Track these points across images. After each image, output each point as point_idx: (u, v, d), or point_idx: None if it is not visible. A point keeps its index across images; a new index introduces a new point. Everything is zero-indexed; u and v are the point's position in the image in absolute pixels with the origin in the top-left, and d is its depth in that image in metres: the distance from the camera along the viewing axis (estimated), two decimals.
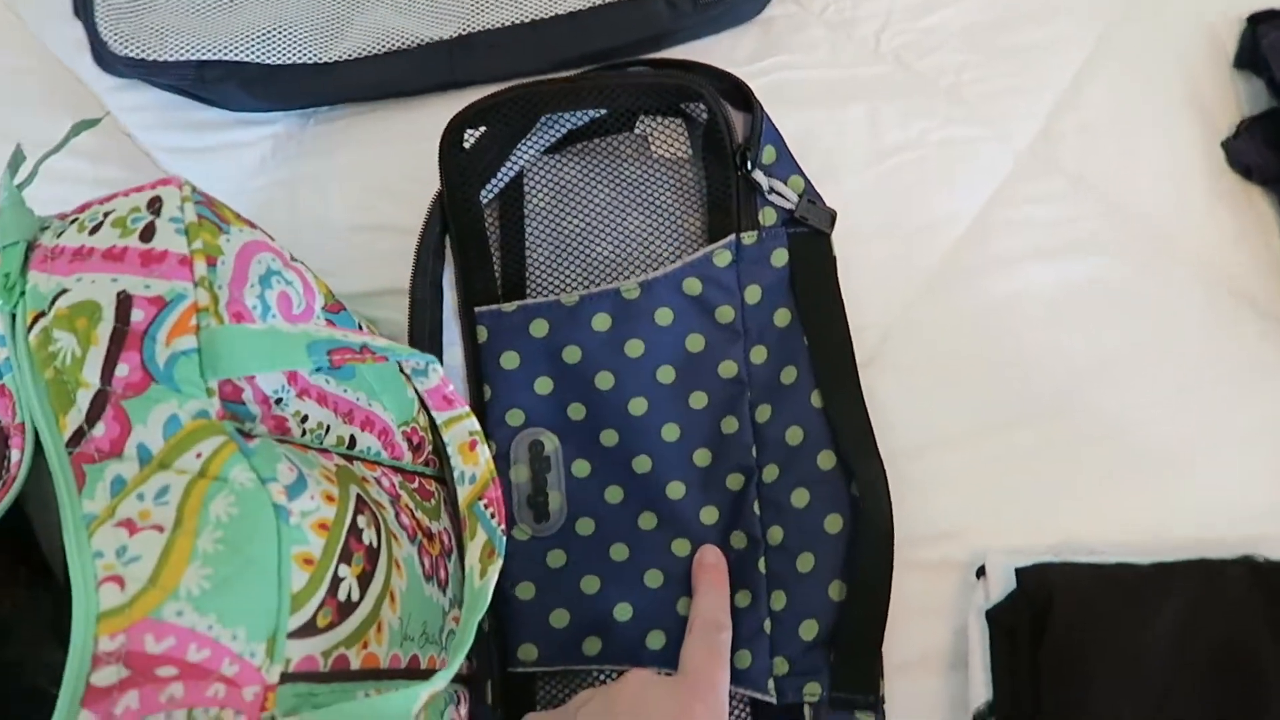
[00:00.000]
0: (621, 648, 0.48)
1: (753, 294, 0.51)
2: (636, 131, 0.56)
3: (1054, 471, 0.51)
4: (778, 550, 0.48)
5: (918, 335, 0.54)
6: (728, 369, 0.50)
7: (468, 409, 0.40)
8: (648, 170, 0.56)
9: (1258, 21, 0.56)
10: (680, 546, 0.49)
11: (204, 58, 0.57)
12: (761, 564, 0.48)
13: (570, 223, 0.55)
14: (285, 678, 0.32)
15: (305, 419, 0.40)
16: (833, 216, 0.52)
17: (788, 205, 0.52)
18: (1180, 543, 0.48)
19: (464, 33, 0.57)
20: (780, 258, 0.52)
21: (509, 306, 0.52)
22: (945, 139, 0.57)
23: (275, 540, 0.32)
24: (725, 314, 0.51)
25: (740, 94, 0.53)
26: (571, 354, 0.51)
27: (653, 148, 0.56)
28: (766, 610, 0.48)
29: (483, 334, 0.52)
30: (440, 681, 0.33)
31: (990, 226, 0.56)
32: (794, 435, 0.50)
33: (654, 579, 0.49)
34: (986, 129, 0.58)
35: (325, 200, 0.59)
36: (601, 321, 0.51)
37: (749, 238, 0.51)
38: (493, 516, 0.39)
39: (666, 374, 0.50)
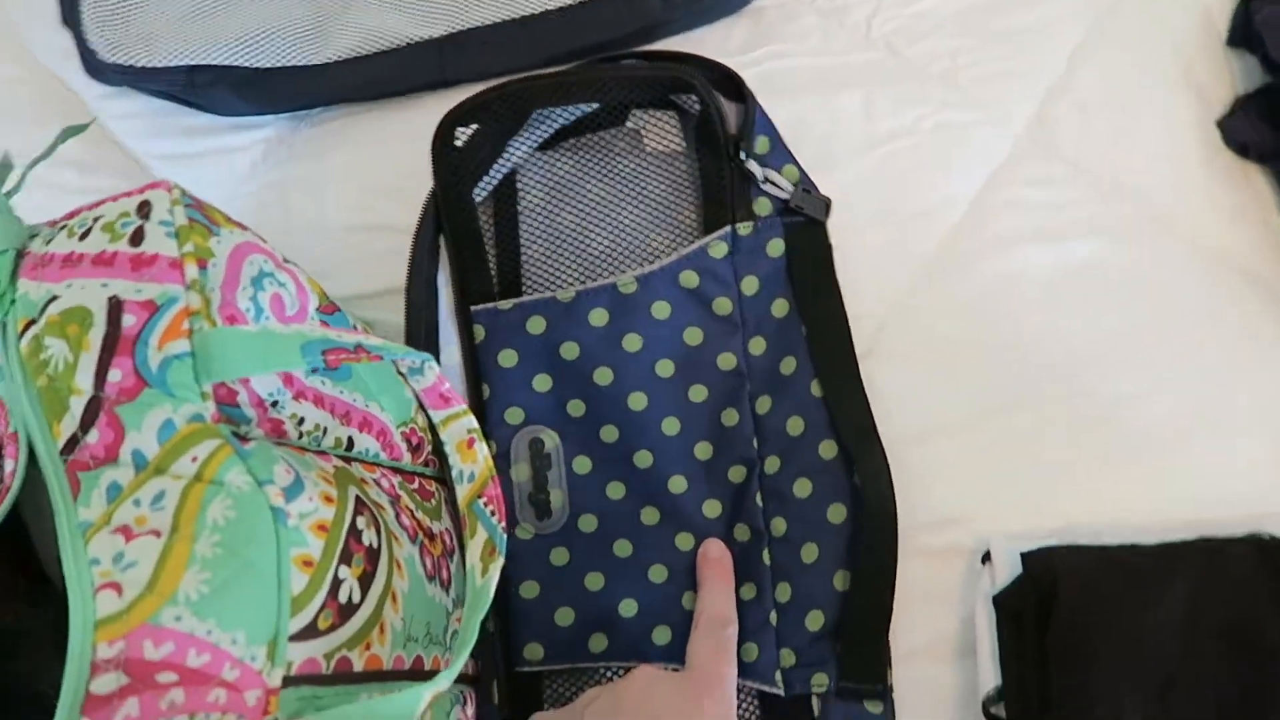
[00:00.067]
0: (627, 644, 0.48)
1: (750, 285, 0.51)
2: (629, 125, 0.56)
3: (1055, 454, 0.51)
4: (781, 542, 0.48)
5: (916, 322, 0.53)
6: (727, 361, 0.50)
7: (465, 407, 0.40)
8: (641, 164, 0.56)
9: None
10: (684, 541, 0.49)
11: (194, 62, 0.56)
12: (766, 556, 0.48)
13: (565, 219, 0.55)
14: (287, 681, 0.32)
15: (302, 421, 0.40)
16: (828, 205, 0.52)
17: (782, 195, 0.51)
18: (1183, 523, 0.48)
19: (454, 30, 0.57)
20: (776, 248, 0.51)
21: (505, 304, 0.51)
22: (940, 124, 0.57)
23: (274, 543, 0.32)
24: (723, 306, 0.50)
25: (732, 84, 0.53)
26: (569, 350, 0.50)
27: (645, 141, 0.56)
28: (772, 602, 0.47)
29: (480, 333, 0.51)
30: (443, 681, 0.33)
31: (986, 211, 0.55)
32: (795, 426, 0.49)
33: (658, 574, 0.49)
34: (981, 113, 0.57)
35: (319, 203, 0.59)
36: (599, 317, 0.50)
37: (744, 229, 0.51)
38: (493, 514, 0.39)
39: (665, 368, 0.50)
